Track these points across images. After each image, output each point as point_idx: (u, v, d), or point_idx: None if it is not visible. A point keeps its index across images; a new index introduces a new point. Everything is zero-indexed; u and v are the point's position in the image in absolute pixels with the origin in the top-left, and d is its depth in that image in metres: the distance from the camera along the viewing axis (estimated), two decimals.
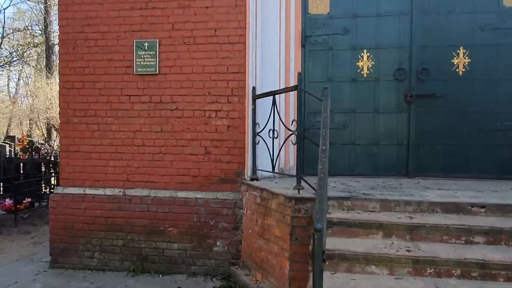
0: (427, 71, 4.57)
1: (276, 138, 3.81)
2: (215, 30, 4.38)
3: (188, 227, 4.37)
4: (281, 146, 3.83)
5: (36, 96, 20.39)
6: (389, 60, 4.63)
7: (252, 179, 4.22)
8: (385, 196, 3.26)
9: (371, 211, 3.13)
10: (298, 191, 3.33)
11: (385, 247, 2.69)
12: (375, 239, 2.84)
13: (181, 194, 4.44)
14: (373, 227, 2.86)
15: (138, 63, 4.50)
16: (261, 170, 4.24)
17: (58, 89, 4.76)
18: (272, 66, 4.52)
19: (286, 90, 3.54)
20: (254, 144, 4.21)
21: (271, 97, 3.88)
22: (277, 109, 3.75)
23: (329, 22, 4.68)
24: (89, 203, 4.54)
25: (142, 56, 4.49)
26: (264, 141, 4.03)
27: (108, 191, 4.55)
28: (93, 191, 4.58)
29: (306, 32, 4.68)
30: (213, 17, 4.38)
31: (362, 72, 4.68)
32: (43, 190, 8.83)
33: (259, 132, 4.09)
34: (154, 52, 4.47)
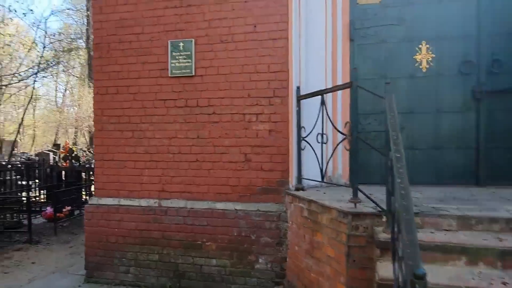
0: (500, 63, 3.93)
1: (326, 143, 3.35)
2: (255, 26, 4.01)
3: (228, 242, 3.99)
4: (332, 152, 3.36)
5: (79, 105, 21.15)
6: (453, 52, 4.03)
7: (297, 189, 3.78)
8: (463, 211, 2.70)
9: (446, 230, 2.59)
10: (355, 205, 2.85)
11: (472, 278, 2.16)
12: (457, 267, 2.31)
13: (220, 206, 4.07)
14: (453, 251, 2.33)
15: (173, 64, 4.21)
16: (307, 179, 3.79)
17: (93, 95, 4.58)
18: (317, 63, 4.07)
19: (338, 88, 3.08)
20: (299, 150, 3.77)
21: (318, 97, 3.44)
22: (326, 110, 3.29)
23: (381, 11, 4.17)
24: (124, 214, 4.29)
25: (177, 57, 4.20)
26: (310, 146, 3.58)
27: (143, 202, 4.28)
28: (128, 202, 4.32)
29: (355, 24, 4.19)
30: (252, 11, 4.01)
31: (421, 67, 4.11)
32: (84, 197, 8.85)
33: (305, 137, 3.64)
34: (189, 53, 4.16)
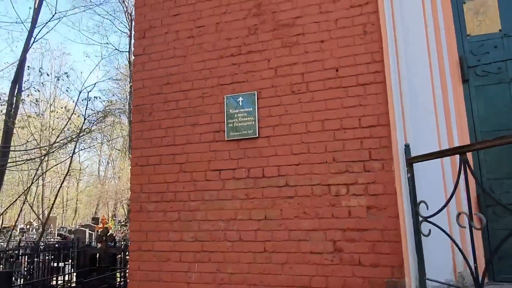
0: None
1: (481, 228, 2.14)
2: (337, 70, 3.09)
3: None
4: (500, 243, 2.12)
5: (119, 177, 21.03)
6: None
7: None
8: None
9: None
10: None
11: None
12: None
13: None
14: None
15: (230, 125, 3.30)
16: (435, 281, 2.52)
17: (130, 167, 3.72)
18: (423, 113, 3.01)
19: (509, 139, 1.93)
20: (419, 236, 2.56)
21: (442, 159, 2.33)
22: (474, 176, 2.14)
23: (503, 42, 3.15)
24: None
25: (235, 116, 3.30)
26: (442, 230, 2.38)
27: None
28: None
29: (468, 61, 3.17)
30: (332, 52, 3.12)
31: None
32: (118, 282, 7.75)
33: (430, 216, 2.45)
34: (251, 109, 3.26)
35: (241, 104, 3.30)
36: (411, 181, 2.65)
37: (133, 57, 3.88)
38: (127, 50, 21.88)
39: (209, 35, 3.55)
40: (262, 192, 3.13)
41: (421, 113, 2.98)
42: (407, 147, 2.74)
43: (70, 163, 8.56)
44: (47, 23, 11.15)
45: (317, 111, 3.08)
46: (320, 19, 3.19)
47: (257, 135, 3.21)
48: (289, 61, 3.23)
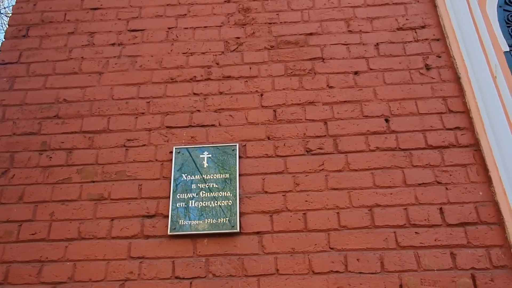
0: None
1: None
2: (386, 120, 1.76)
3: None
4: None
5: None
6: None
7: None
8: None
9: None
10: None
11: None
12: None
13: None
14: None
15: (180, 204, 1.62)
16: None
17: None
18: None
19: None
20: None
21: None
22: None
23: None
24: None
25: (192, 187, 1.65)
26: None
27: None
28: None
29: None
30: (376, 91, 1.82)
31: None
32: None
33: None
34: (227, 175, 1.67)
35: (206, 165, 1.69)
36: None
37: None
38: None
39: (152, 45, 2.02)
40: None
41: None
42: None
43: None
44: None
45: (357, 190, 1.62)
46: (349, 40, 1.95)
47: (238, 229, 1.57)
48: (300, 99, 1.83)
